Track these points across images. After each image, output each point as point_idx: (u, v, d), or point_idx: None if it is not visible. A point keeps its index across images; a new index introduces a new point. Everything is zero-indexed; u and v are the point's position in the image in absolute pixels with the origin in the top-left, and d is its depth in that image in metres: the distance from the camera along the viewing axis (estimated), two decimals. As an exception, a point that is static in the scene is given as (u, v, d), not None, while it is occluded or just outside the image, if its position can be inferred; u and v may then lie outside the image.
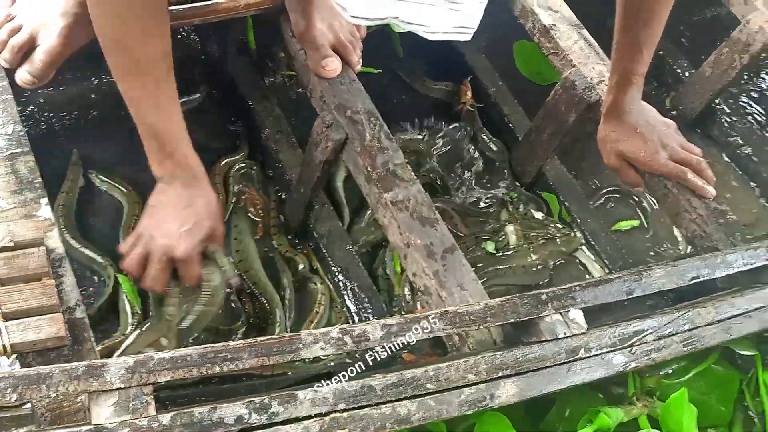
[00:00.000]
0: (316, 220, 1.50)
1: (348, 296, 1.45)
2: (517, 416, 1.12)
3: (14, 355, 0.94)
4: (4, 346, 0.91)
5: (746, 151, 1.83)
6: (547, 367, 1.01)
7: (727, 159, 1.84)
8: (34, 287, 0.96)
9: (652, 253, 1.65)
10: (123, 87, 1.08)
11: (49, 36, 1.19)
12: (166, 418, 0.83)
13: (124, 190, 1.45)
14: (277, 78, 1.73)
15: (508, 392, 0.97)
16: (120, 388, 0.83)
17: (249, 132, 1.63)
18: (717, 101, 1.86)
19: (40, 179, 1.09)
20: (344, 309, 1.44)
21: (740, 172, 1.82)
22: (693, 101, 1.86)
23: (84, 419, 0.89)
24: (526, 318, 1.03)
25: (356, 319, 1.43)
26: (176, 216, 1.14)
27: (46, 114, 1.51)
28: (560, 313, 1.05)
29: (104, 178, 1.46)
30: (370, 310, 1.42)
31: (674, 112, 1.89)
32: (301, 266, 1.46)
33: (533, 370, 1.00)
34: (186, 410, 0.84)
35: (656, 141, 1.38)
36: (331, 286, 1.46)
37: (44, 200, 1.07)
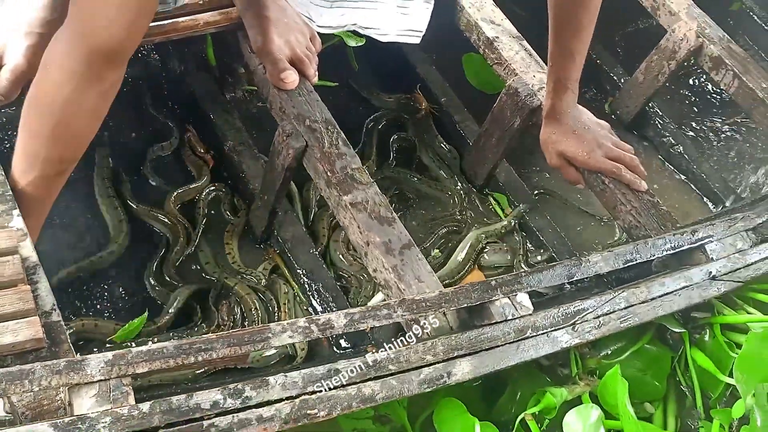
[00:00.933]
0: (279, 226, 1.57)
1: (314, 297, 1.52)
2: (473, 402, 1.20)
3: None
4: (-16, 348, 0.96)
5: (678, 150, 1.96)
6: (498, 346, 1.10)
7: (660, 157, 1.97)
8: (11, 293, 1.01)
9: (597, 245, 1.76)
10: (27, 146, 1.08)
11: (15, 55, 1.24)
12: (145, 406, 0.89)
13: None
14: (237, 93, 1.80)
15: (463, 370, 1.06)
16: (100, 380, 0.89)
17: (212, 146, 1.70)
18: (650, 105, 1.99)
19: (10, 192, 1.14)
20: (310, 309, 1.51)
21: (673, 169, 1.96)
22: (629, 105, 1.99)
23: (64, 416, 0.94)
24: (478, 303, 1.12)
25: (320, 318, 1.50)
26: None
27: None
28: (509, 297, 1.14)
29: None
30: (335, 308, 1.49)
31: (613, 116, 2.02)
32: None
33: (486, 349, 1.09)
34: (164, 399, 0.90)
35: (592, 141, 1.49)
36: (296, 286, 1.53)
37: (16, 211, 1.12)
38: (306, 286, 1.54)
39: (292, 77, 1.43)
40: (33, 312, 1.00)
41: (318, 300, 1.52)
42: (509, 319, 1.12)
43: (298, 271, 1.55)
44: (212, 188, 1.63)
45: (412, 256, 1.28)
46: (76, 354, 1.02)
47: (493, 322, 1.11)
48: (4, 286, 1.01)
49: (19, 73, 1.23)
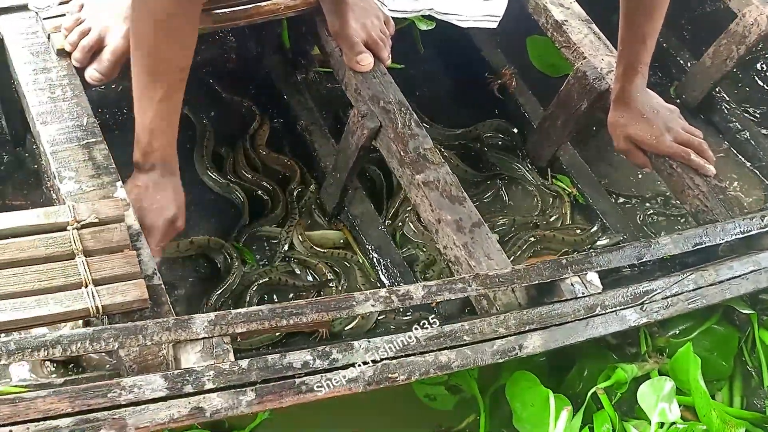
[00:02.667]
0: (350, 203, 1.64)
1: (382, 271, 1.58)
2: (541, 377, 1.25)
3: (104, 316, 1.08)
4: (97, 307, 1.05)
5: (745, 136, 1.95)
6: (568, 322, 1.15)
7: (726, 143, 1.97)
8: (119, 257, 1.10)
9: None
10: (138, 85, 1.18)
11: (115, 37, 1.33)
12: (244, 363, 0.97)
13: None
14: (309, 74, 1.86)
15: (534, 343, 1.11)
16: (204, 338, 0.97)
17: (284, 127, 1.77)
18: (717, 89, 1.99)
19: (114, 165, 1.23)
20: (378, 284, 1.58)
21: (739, 156, 1.96)
22: (695, 90, 1.99)
23: (165, 370, 1.03)
24: (549, 280, 1.17)
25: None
26: (153, 200, 1.24)
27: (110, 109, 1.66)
28: (579, 276, 1.18)
29: None
30: (401, 283, 1.56)
31: (678, 101, 2.02)
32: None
33: (556, 325, 1.14)
34: (261, 357, 0.98)
35: (661, 125, 1.51)
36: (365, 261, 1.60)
37: (119, 183, 1.21)
38: (375, 261, 1.60)
39: (367, 60, 1.48)
40: (138, 275, 1.09)
41: (386, 275, 1.58)
42: (579, 297, 1.16)
43: (368, 246, 1.62)
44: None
45: (482, 234, 1.33)
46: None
47: (563, 299, 1.16)
48: (113, 250, 1.10)
49: (120, 54, 1.32)
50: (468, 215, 1.35)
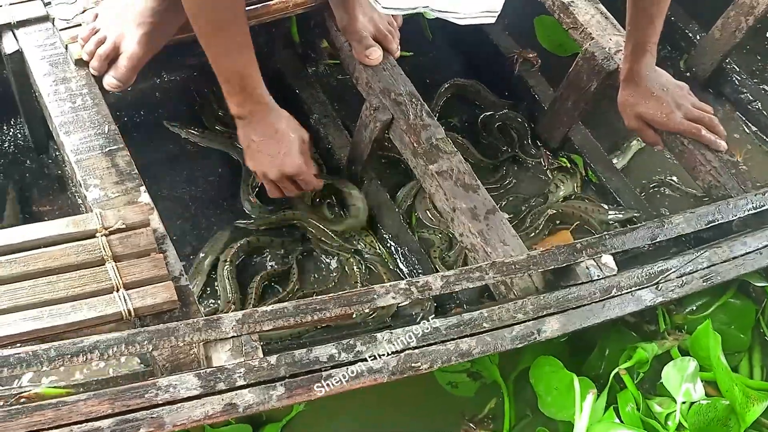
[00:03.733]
0: (366, 194, 1.67)
1: (400, 259, 1.62)
2: (563, 360, 1.28)
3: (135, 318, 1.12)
4: (129, 310, 1.09)
5: (757, 106, 1.95)
6: (585, 305, 1.17)
7: (739, 114, 1.97)
8: (146, 261, 1.14)
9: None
10: (210, 43, 1.26)
11: (130, 43, 1.36)
12: (272, 359, 1.01)
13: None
14: (319, 67, 1.89)
15: (552, 327, 1.14)
16: (233, 336, 1.01)
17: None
18: (727, 61, 1.98)
19: (136, 170, 1.27)
20: (397, 271, 1.61)
21: (754, 127, 1.96)
22: (705, 62, 1.99)
23: (197, 367, 1.08)
24: (564, 264, 1.19)
25: (409, 279, 1.60)
26: (270, 143, 1.37)
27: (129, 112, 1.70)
28: (593, 259, 1.21)
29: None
30: (420, 271, 1.59)
31: (688, 74, 2.03)
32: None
33: (573, 308, 1.16)
34: (288, 353, 1.02)
35: (671, 102, 1.52)
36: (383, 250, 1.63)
37: (143, 188, 1.25)
38: (392, 249, 1.64)
39: (376, 53, 1.51)
40: (166, 277, 1.13)
41: (404, 263, 1.62)
42: (594, 280, 1.19)
43: (385, 236, 1.65)
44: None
45: (496, 221, 1.36)
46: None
47: (579, 282, 1.19)
48: (141, 255, 1.14)
49: (136, 60, 1.35)
50: (482, 203, 1.38)
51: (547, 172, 1.80)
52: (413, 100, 1.49)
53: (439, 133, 1.46)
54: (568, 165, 1.79)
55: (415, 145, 1.44)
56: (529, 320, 1.13)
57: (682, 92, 1.55)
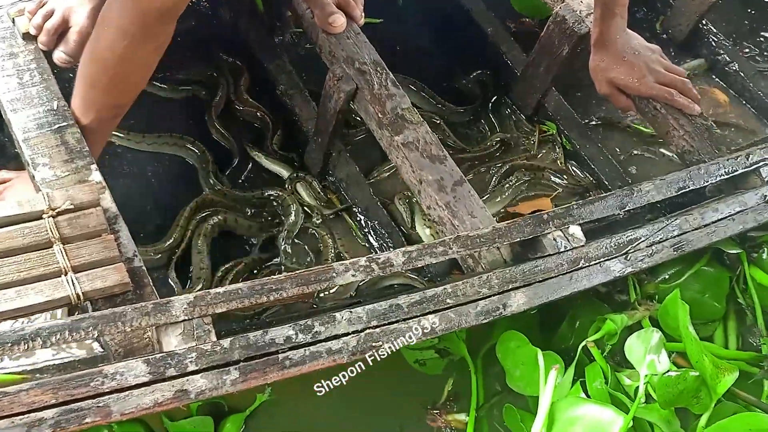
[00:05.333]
0: (334, 167, 1.63)
1: (370, 234, 1.58)
2: (533, 333, 1.26)
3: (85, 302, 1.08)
4: (77, 294, 1.05)
5: (734, 68, 1.91)
6: (552, 277, 1.14)
7: (715, 77, 1.93)
8: (97, 242, 1.10)
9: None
10: (85, 94, 1.18)
11: (80, 17, 1.30)
12: (226, 343, 0.98)
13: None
14: (285, 36, 1.82)
15: (518, 301, 1.11)
16: (184, 320, 0.97)
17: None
18: (704, 22, 1.94)
19: (87, 148, 1.21)
20: (367, 245, 1.58)
21: (729, 89, 1.92)
22: (681, 23, 1.95)
23: (152, 351, 1.04)
24: (531, 237, 1.16)
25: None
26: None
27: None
28: (561, 230, 1.18)
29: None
30: (391, 244, 1.55)
31: (664, 36, 1.98)
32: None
33: (540, 281, 1.13)
34: (242, 335, 0.99)
35: (643, 66, 1.48)
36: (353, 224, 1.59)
37: (94, 166, 1.20)
38: (363, 223, 1.60)
39: (339, 20, 1.45)
40: (118, 259, 1.09)
41: (374, 237, 1.58)
42: (562, 252, 1.16)
43: (354, 209, 1.61)
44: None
45: (464, 192, 1.32)
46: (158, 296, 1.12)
47: (546, 254, 1.15)
48: (90, 236, 1.10)
49: (85, 34, 1.29)
50: (449, 173, 1.34)
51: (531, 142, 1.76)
52: (378, 68, 1.44)
53: (404, 103, 1.41)
54: (553, 133, 1.75)
55: (380, 115, 1.39)
56: (494, 295, 1.10)
57: (654, 55, 1.51)
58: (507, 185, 1.69)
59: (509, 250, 1.23)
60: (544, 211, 1.58)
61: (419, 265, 1.10)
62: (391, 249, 1.56)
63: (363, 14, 1.51)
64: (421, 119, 1.40)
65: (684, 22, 1.94)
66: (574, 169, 1.74)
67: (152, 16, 1.08)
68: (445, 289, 1.09)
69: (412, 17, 1.96)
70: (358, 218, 1.60)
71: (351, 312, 1.04)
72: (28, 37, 1.30)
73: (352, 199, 1.61)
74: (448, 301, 1.08)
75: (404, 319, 1.06)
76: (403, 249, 1.10)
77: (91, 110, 1.21)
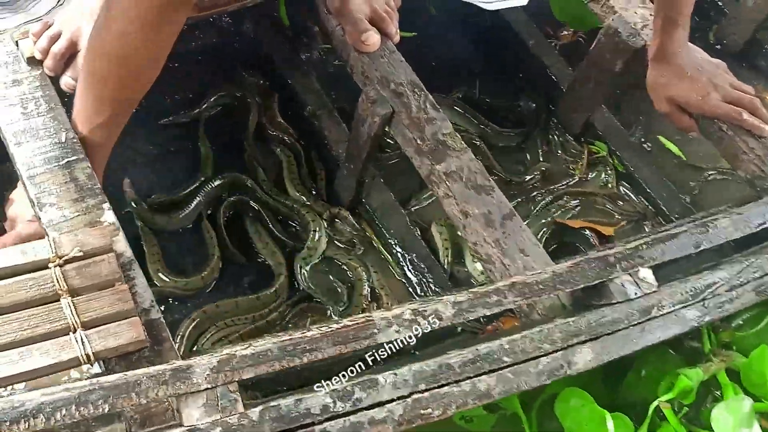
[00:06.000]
0: (367, 194, 1.50)
1: (407, 267, 1.45)
2: (595, 387, 1.12)
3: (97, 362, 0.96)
4: (87, 354, 0.93)
5: (795, 82, 1.77)
6: (622, 329, 1.01)
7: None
8: (109, 294, 0.98)
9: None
10: (94, 91, 1.08)
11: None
12: (254, 414, 0.85)
13: None
14: (313, 53, 1.71)
15: (585, 358, 0.97)
16: (207, 389, 0.85)
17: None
18: (761, 31, 1.80)
19: (99, 185, 1.10)
20: (404, 280, 1.45)
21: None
22: (736, 33, 1.81)
23: (173, 418, 0.92)
24: (596, 282, 1.02)
25: (418, 289, 1.44)
26: None
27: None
28: (629, 274, 1.04)
29: None
30: (431, 279, 1.43)
31: (718, 46, 1.84)
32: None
33: (607, 334, 1.00)
34: (273, 404, 0.86)
35: (707, 82, 1.34)
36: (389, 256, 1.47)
37: (106, 205, 1.08)
38: (399, 256, 1.47)
39: (373, 38, 1.33)
40: (133, 312, 0.98)
41: (412, 270, 1.45)
42: (632, 299, 1.02)
43: (390, 240, 1.48)
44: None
45: (514, 227, 1.19)
46: (179, 351, 1.00)
47: (613, 302, 1.02)
48: (102, 286, 0.98)
49: (65, 49, 1.18)
50: (498, 206, 1.21)
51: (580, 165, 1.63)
52: (416, 90, 1.32)
53: (445, 128, 1.28)
54: (604, 154, 1.62)
55: (419, 142, 1.27)
56: (556, 351, 0.97)
57: (718, 71, 1.37)
58: (553, 209, 1.56)
59: (569, 294, 1.10)
60: (593, 228, 1.48)
61: (471, 317, 0.96)
62: (431, 284, 1.44)
63: (398, 30, 1.38)
64: (465, 145, 1.27)
65: (740, 31, 1.80)
66: (628, 193, 1.61)
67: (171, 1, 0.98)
68: (501, 344, 0.95)
69: (447, 29, 1.83)
70: (395, 251, 1.48)
71: (395, 374, 0.91)
72: (32, 61, 1.19)
73: (387, 229, 1.49)
74: (504, 358, 0.95)
75: (456, 381, 0.93)
76: (453, 298, 0.96)
77: (101, 111, 1.09)
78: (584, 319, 1.00)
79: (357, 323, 0.93)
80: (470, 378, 0.93)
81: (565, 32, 1.85)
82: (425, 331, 0.94)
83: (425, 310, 0.95)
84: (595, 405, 1.02)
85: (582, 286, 1.01)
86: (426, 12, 1.81)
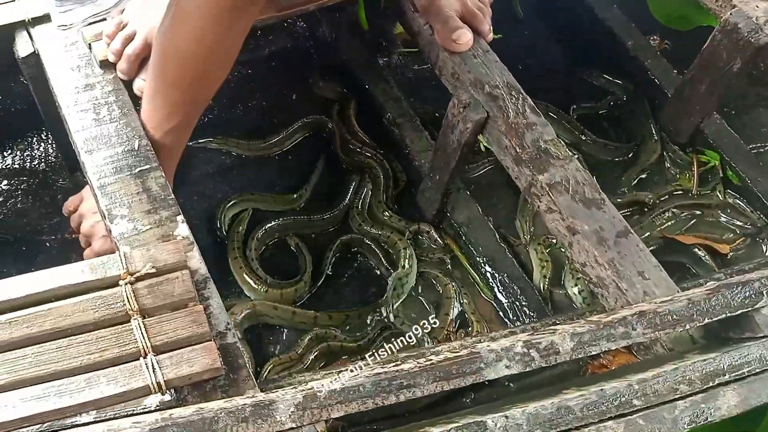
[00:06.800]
0: (453, 208, 1.38)
1: (498, 288, 1.32)
2: (725, 426, 0.96)
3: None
4: (158, 383, 0.84)
5: None
6: (771, 368, 0.85)
7: None
8: (182, 315, 0.89)
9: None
10: (165, 96, 1.04)
11: (137, 40, 1.11)
12: (345, 460, 0.74)
13: None
14: (392, 57, 1.61)
15: (729, 403, 0.83)
16: (292, 429, 0.74)
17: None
18: None
19: (172, 195, 1.02)
20: (494, 303, 1.32)
21: None
22: None
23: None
24: (739, 312, 0.87)
25: (509, 313, 1.30)
26: None
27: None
28: (778, 302, 0.88)
29: None
30: (524, 302, 1.29)
31: None
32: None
33: (755, 374, 0.84)
34: (366, 449, 0.75)
35: None
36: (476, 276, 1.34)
37: (180, 217, 1.00)
38: (488, 276, 1.34)
39: (465, 36, 1.21)
40: (207, 336, 0.88)
41: (503, 292, 1.32)
42: (782, 332, 0.86)
43: (478, 259, 1.35)
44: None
45: (630, 247, 1.05)
46: (256, 380, 0.89)
47: (759, 336, 0.86)
48: (175, 307, 0.89)
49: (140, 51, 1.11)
50: (611, 222, 1.07)
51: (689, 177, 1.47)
52: (513, 92, 1.19)
53: (548, 134, 1.15)
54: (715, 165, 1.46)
55: (517, 149, 1.14)
56: (695, 393, 0.82)
57: None
58: (660, 222, 1.41)
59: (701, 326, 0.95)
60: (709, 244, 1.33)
61: (594, 352, 0.83)
62: (525, 307, 1.30)
63: (491, 28, 1.26)
64: (570, 153, 1.14)
65: None
66: (742, 206, 1.44)
67: None
68: (630, 385, 0.81)
69: (536, 30, 1.70)
70: (483, 270, 1.35)
71: (507, 417, 0.78)
72: (106, 64, 1.12)
73: (476, 246, 1.36)
74: (634, 402, 0.81)
75: (577, 428, 0.79)
76: (571, 329, 0.83)
77: (174, 114, 1.05)
78: (727, 356, 0.85)
79: (460, 356, 0.81)
80: (594, 423, 0.79)
81: (652, 39, 1.69)
82: (539, 366, 0.81)
83: (539, 343, 0.82)
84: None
85: (724, 316, 0.86)
86: (511, 12, 1.68)
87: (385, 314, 1.29)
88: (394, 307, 1.29)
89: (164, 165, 1.05)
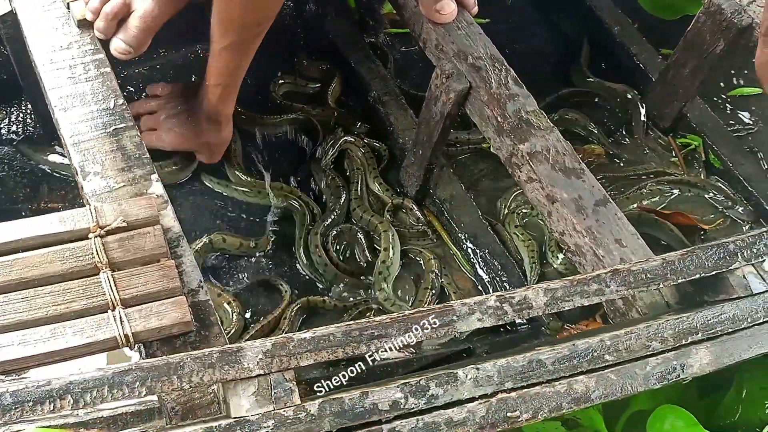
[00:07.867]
0: (435, 185, 1.37)
1: (479, 264, 1.31)
2: (688, 400, 0.96)
3: (137, 345, 0.86)
4: (126, 335, 0.83)
5: None
6: (745, 328, 0.85)
7: None
8: (154, 270, 0.88)
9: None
10: (224, 12, 1.07)
11: (144, 0, 1.10)
12: (313, 407, 0.73)
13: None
14: (379, 37, 1.60)
15: (701, 360, 0.82)
16: (259, 375, 0.73)
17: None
18: None
19: (147, 154, 1.01)
20: (475, 279, 1.31)
21: None
22: None
23: (217, 411, 0.81)
24: (713, 272, 0.87)
25: (490, 289, 1.29)
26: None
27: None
28: (753, 265, 0.88)
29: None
30: (504, 278, 1.28)
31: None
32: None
33: (728, 333, 0.84)
34: (334, 397, 0.74)
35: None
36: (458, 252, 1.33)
37: (154, 176, 0.99)
38: (470, 252, 1.33)
39: (449, 7, 1.21)
40: (178, 290, 0.87)
41: (484, 268, 1.31)
42: (756, 293, 0.86)
43: (460, 235, 1.35)
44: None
45: (609, 215, 1.05)
46: (227, 337, 0.88)
47: (733, 297, 0.86)
48: (146, 261, 0.88)
49: (150, 20, 1.10)
50: (589, 191, 1.07)
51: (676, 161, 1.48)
52: (496, 64, 1.19)
53: (530, 105, 1.15)
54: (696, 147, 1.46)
55: (499, 119, 1.14)
56: (668, 350, 0.82)
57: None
58: (645, 191, 1.41)
59: (675, 290, 0.95)
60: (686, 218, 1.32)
61: (566, 308, 0.82)
62: (506, 283, 1.29)
63: (476, 1, 1.26)
64: (551, 124, 1.13)
65: None
66: (723, 186, 1.44)
67: None
68: (602, 341, 0.81)
69: (523, 16, 1.70)
70: (465, 246, 1.34)
71: (477, 369, 0.77)
72: (83, 24, 1.11)
73: (458, 223, 1.35)
74: (606, 357, 0.80)
75: (548, 381, 0.78)
76: (545, 286, 0.82)
77: (230, 31, 1.09)
78: (700, 315, 0.84)
79: (433, 309, 0.80)
80: (565, 378, 0.78)
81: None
82: (512, 321, 0.80)
83: (513, 297, 0.81)
84: (700, 427, 0.86)
85: (698, 276, 0.86)
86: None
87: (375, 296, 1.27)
88: (386, 288, 1.28)
89: (226, 86, 1.15)
